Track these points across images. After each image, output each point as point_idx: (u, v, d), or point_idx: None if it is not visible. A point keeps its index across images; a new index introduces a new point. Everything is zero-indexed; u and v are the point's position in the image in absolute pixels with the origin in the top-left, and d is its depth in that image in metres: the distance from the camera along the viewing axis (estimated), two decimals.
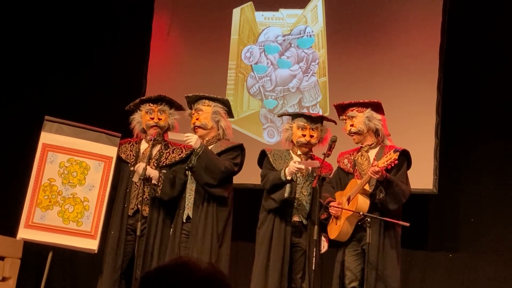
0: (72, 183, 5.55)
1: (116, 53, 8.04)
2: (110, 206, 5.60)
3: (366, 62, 7.18)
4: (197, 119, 5.61)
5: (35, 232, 5.48)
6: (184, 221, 5.51)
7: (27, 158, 6.00)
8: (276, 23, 7.64)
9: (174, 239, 5.48)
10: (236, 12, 7.75)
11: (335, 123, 5.69)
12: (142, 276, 2.01)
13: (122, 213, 5.56)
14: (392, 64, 7.11)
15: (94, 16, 8.24)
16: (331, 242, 5.48)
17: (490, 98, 6.86)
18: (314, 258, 5.20)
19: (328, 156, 5.30)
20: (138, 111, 5.73)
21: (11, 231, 6.01)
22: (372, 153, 5.38)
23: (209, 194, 5.45)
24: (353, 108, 5.43)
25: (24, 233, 5.49)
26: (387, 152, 5.09)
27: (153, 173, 5.50)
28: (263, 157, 5.69)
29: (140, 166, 5.45)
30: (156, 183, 5.49)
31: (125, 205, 5.57)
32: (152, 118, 5.66)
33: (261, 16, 7.69)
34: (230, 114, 5.75)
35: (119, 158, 5.66)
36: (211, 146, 5.56)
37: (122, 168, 5.67)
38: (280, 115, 6.85)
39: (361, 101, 5.45)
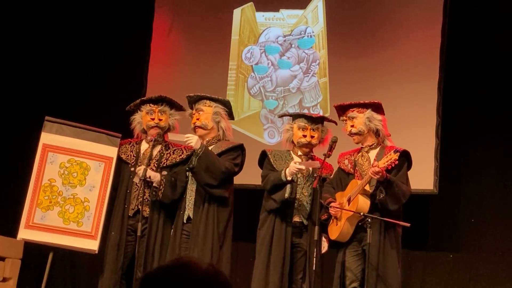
0: (72, 184, 5.55)
1: (116, 53, 8.03)
2: (111, 206, 5.60)
3: (366, 63, 7.18)
4: (197, 119, 5.61)
5: (35, 232, 5.48)
6: (185, 221, 5.50)
7: (27, 159, 6.00)
8: (276, 23, 7.63)
9: (175, 239, 5.48)
10: (237, 12, 7.75)
11: (336, 123, 5.69)
12: (143, 277, 2.01)
13: (122, 214, 5.55)
14: (392, 64, 7.10)
15: (94, 16, 8.23)
16: (331, 243, 5.47)
17: (490, 99, 6.86)
18: (314, 259, 5.20)
19: (328, 157, 5.30)
20: (138, 111, 5.73)
21: (12, 232, 6.00)
22: (373, 154, 5.38)
23: (210, 194, 5.44)
24: (354, 109, 5.43)
25: (24, 233, 5.49)
26: (388, 153, 5.08)
27: (154, 175, 5.50)
28: (263, 158, 5.68)
29: (141, 170, 5.45)
30: (157, 186, 5.49)
31: (126, 206, 5.56)
32: (153, 119, 5.65)
33: (262, 17, 7.69)
34: (230, 115, 5.74)
35: (119, 159, 5.65)
36: (211, 147, 5.55)
37: (122, 168, 5.67)
38: (281, 116, 6.84)
39: (362, 101, 5.45)
